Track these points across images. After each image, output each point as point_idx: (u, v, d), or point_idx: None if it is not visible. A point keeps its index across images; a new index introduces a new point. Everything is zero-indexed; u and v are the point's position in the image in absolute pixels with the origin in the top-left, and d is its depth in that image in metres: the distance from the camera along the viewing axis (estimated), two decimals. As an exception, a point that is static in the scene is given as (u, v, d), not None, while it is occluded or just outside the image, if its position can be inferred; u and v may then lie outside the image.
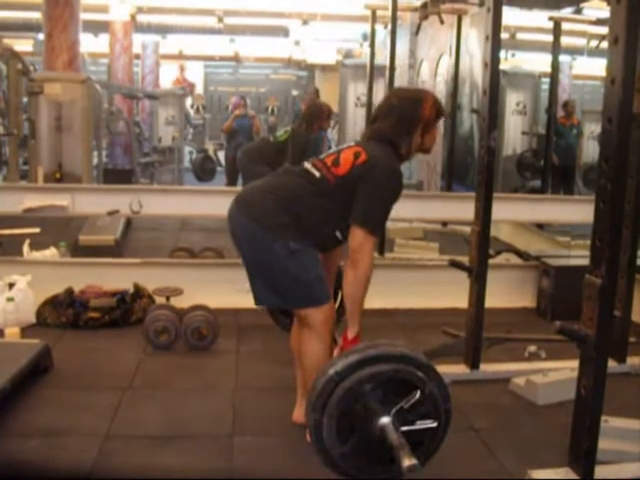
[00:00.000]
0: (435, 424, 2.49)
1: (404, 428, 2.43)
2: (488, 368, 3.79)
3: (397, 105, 2.94)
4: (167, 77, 16.72)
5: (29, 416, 3.20)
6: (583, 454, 2.54)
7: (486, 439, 3.14)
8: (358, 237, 2.78)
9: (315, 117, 6.11)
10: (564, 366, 3.61)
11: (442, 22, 7.36)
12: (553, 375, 3.59)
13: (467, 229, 4.00)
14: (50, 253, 5.39)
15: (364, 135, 3.08)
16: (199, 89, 18.28)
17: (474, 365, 3.74)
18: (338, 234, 2.89)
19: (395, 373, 2.46)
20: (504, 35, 3.69)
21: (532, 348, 4.17)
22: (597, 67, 7.25)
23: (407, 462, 2.30)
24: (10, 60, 8.27)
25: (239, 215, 2.88)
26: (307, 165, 2.95)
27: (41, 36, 9.95)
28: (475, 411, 3.41)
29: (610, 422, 2.91)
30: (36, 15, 11.06)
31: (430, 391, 2.48)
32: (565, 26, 7.26)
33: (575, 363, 2.59)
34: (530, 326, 4.69)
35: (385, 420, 2.42)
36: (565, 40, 7.40)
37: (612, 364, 3.04)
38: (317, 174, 2.88)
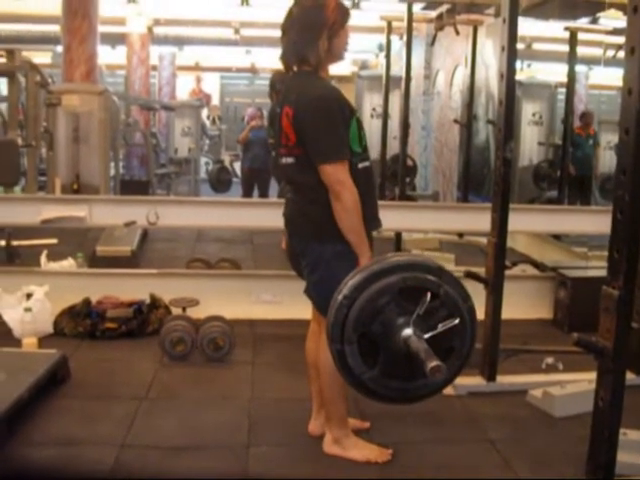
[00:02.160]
0: (457, 321, 2.42)
1: (427, 335, 2.36)
2: (505, 380, 3.77)
3: (297, 14, 2.85)
4: (184, 88, 16.83)
5: (46, 425, 3.21)
6: (601, 467, 2.51)
7: (502, 451, 3.12)
8: (327, 172, 2.72)
9: (280, 83, 5.87)
10: (582, 378, 3.58)
11: (457, 33, 7.37)
12: (571, 387, 3.56)
13: (483, 240, 3.99)
14: (67, 264, 5.42)
15: (279, 60, 2.96)
16: (215, 100, 18.38)
17: (491, 377, 3.72)
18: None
19: (404, 282, 2.39)
20: (520, 46, 3.69)
21: (549, 360, 4.13)
22: (614, 77, 7.23)
23: (430, 363, 2.23)
24: (29, 72, 8.34)
25: (294, 235, 2.95)
26: (280, 160, 2.93)
27: (59, 48, 10.04)
28: (491, 423, 3.40)
29: (629, 435, 2.89)
30: (55, 28, 11.16)
31: (445, 292, 2.41)
32: (581, 36, 7.24)
33: (593, 375, 2.57)
34: (547, 338, 4.66)
35: (406, 332, 2.36)
36: (581, 50, 7.37)
37: (630, 376, 3.02)
38: (291, 160, 2.86)
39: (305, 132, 2.77)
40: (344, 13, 2.87)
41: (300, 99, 2.79)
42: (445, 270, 2.48)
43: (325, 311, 2.86)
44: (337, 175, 2.72)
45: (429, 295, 2.37)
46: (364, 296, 2.38)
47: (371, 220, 2.87)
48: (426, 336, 2.36)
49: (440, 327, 2.40)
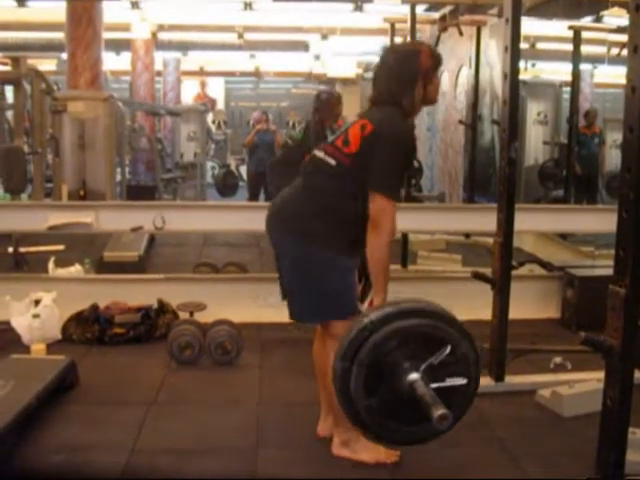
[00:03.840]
0: (465, 381, 2.44)
1: (434, 385, 2.38)
2: (513, 380, 3.77)
3: (394, 62, 2.92)
4: (188, 93, 16.87)
5: (56, 431, 3.22)
6: (611, 466, 2.50)
7: (511, 450, 3.12)
8: (377, 202, 2.75)
9: (325, 103, 5.96)
10: (590, 377, 3.57)
11: (461, 34, 7.37)
12: (579, 387, 3.55)
13: (490, 240, 3.99)
14: (75, 270, 5.44)
15: (369, 102, 3.05)
16: (220, 105, 18.41)
17: (499, 377, 3.71)
18: None
19: (430, 329, 2.42)
20: (524, 45, 3.70)
21: (557, 359, 4.13)
22: (618, 75, 7.21)
23: (438, 411, 2.25)
24: (34, 80, 8.38)
25: (278, 229, 2.92)
26: (320, 154, 2.94)
27: (64, 55, 10.08)
28: (500, 423, 3.39)
29: (638, 434, 2.88)
30: (59, 35, 11.20)
31: (462, 353, 2.43)
32: (585, 35, 7.23)
33: (601, 374, 2.56)
34: (555, 337, 4.65)
35: (414, 376, 2.37)
36: (585, 49, 7.36)
37: (639, 375, 3.01)
38: (333, 162, 2.87)
39: (379, 156, 2.79)
40: (437, 59, 2.96)
41: (387, 125, 2.83)
42: (468, 332, 2.51)
43: (302, 315, 2.89)
44: (385, 208, 2.76)
45: (448, 349, 2.41)
46: (391, 327, 2.41)
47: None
48: (432, 385, 2.38)
49: (448, 381, 2.42)
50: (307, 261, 2.84)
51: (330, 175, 2.88)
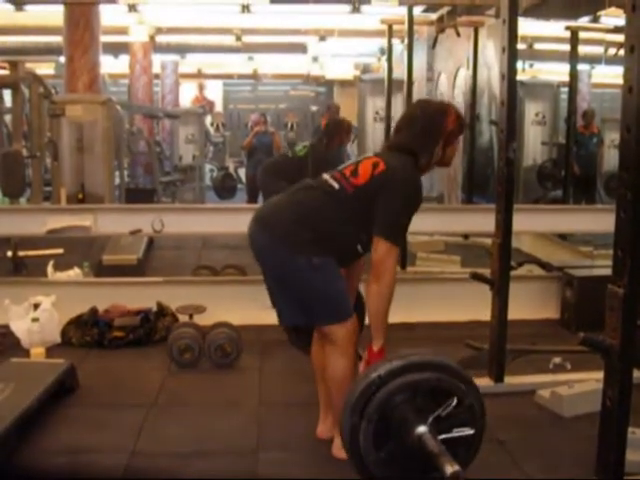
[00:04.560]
0: (472, 431, 2.47)
1: (442, 436, 2.40)
2: (513, 380, 3.77)
3: (420, 116, 2.95)
4: (187, 96, 16.87)
5: (56, 434, 3.22)
6: (610, 466, 2.51)
7: (511, 451, 3.12)
8: (381, 249, 2.78)
9: (335, 132, 6.09)
10: (590, 377, 3.57)
11: (458, 35, 7.36)
12: (579, 387, 3.56)
13: (488, 241, 3.99)
14: (74, 273, 5.44)
15: (384, 146, 3.08)
16: (218, 107, 18.41)
17: (498, 378, 3.72)
18: (359, 247, 2.90)
19: (438, 382, 2.45)
20: (521, 46, 3.70)
21: (557, 360, 4.13)
22: (616, 75, 7.22)
23: (450, 468, 2.26)
24: (32, 83, 8.38)
25: (260, 233, 2.89)
26: (326, 176, 2.96)
27: (62, 59, 10.08)
28: (500, 423, 3.39)
29: (637, 433, 2.88)
30: (57, 39, 11.20)
31: (469, 403, 2.47)
32: (582, 35, 7.23)
33: (601, 374, 2.57)
34: (554, 337, 4.65)
35: (423, 428, 2.40)
36: (583, 49, 7.37)
37: (638, 374, 3.01)
38: (336, 185, 2.89)
39: (387, 201, 2.81)
40: (461, 125, 3.00)
41: (397, 170, 2.85)
42: (473, 381, 2.55)
43: (290, 318, 2.88)
44: (388, 257, 2.79)
45: (455, 401, 2.43)
46: (397, 382, 2.44)
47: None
48: (440, 437, 2.40)
49: (455, 432, 2.43)
50: (290, 264, 2.82)
51: (328, 194, 2.88)
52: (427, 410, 2.43)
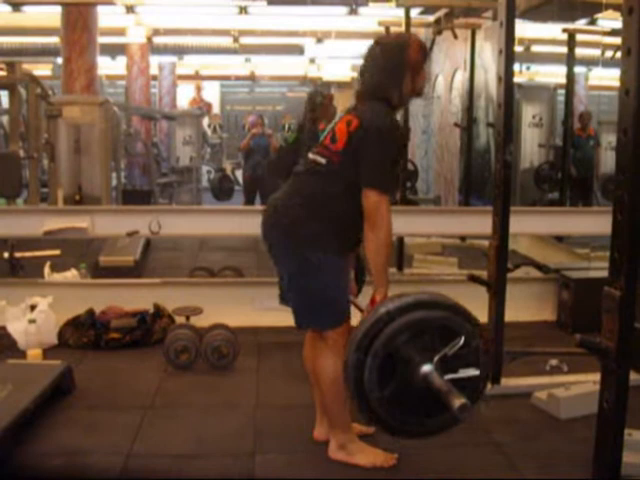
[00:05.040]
0: (477, 372, 2.46)
1: (448, 376, 2.39)
2: (509, 382, 3.77)
3: (380, 55, 2.90)
4: (184, 97, 16.87)
5: (52, 436, 3.22)
6: (607, 468, 2.51)
7: (508, 453, 3.12)
8: (372, 198, 2.75)
9: (317, 103, 5.93)
10: (586, 379, 3.58)
11: (456, 37, 7.38)
12: (575, 389, 3.56)
13: (486, 243, 3.99)
14: (71, 275, 5.43)
15: (355, 94, 3.03)
16: (216, 109, 18.43)
17: (495, 380, 3.71)
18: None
19: (445, 320, 2.45)
20: (518, 48, 3.70)
21: (554, 361, 4.14)
22: (613, 77, 7.22)
23: (458, 402, 2.27)
24: (29, 84, 8.37)
25: (271, 231, 2.93)
26: (311, 155, 2.95)
27: (60, 60, 10.08)
28: (497, 426, 3.39)
29: (634, 435, 2.88)
30: (54, 40, 11.20)
31: (476, 344, 2.47)
32: (579, 37, 7.24)
33: (597, 376, 2.57)
34: (551, 339, 4.66)
35: (428, 367, 2.39)
36: (580, 51, 7.38)
37: (634, 376, 3.01)
38: (322, 160, 2.88)
39: (367, 151, 2.80)
40: (425, 53, 2.95)
41: (373, 119, 2.83)
42: (480, 324, 2.55)
43: (303, 319, 2.89)
44: (380, 205, 2.75)
45: (462, 341, 2.42)
46: (406, 318, 2.42)
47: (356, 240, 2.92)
48: (446, 377, 2.39)
49: (461, 373, 2.42)
50: (300, 263, 2.84)
51: (321, 174, 2.87)
52: (433, 350, 2.41)
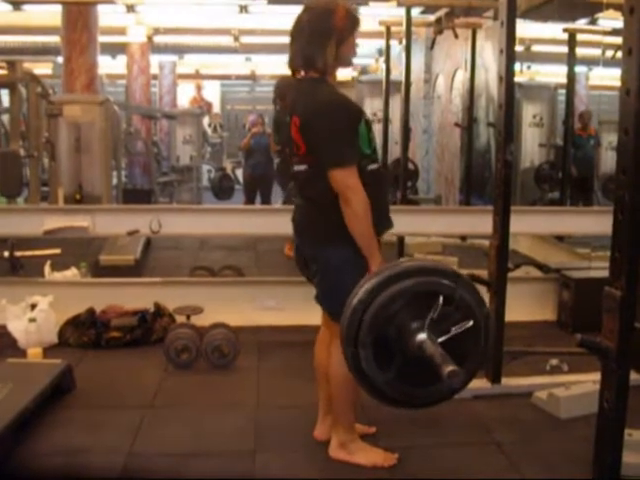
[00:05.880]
0: (471, 322, 2.43)
1: (441, 339, 2.37)
2: (510, 382, 3.77)
3: (307, 21, 2.85)
4: (184, 97, 16.86)
5: (52, 435, 3.22)
6: (607, 468, 2.51)
7: (509, 453, 3.12)
8: (337, 177, 2.73)
9: (285, 90, 5.69)
10: (587, 379, 3.58)
11: (456, 36, 7.37)
12: (576, 388, 3.56)
13: (486, 243, 3.99)
14: (71, 273, 5.43)
15: (287, 67, 2.97)
16: (216, 108, 18.42)
17: (495, 379, 3.72)
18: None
19: (417, 287, 2.41)
20: (519, 48, 3.70)
21: (554, 361, 4.14)
22: (613, 77, 7.22)
23: (446, 369, 2.25)
24: (30, 83, 8.38)
25: (299, 238, 2.97)
26: (294, 167, 2.94)
27: (60, 59, 10.07)
28: (497, 426, 3.39)
29: (634, 435, 2.88)
30: (55, 39, 11.20)
31: (460, 296, 2.42)
32: (580, 37, 7.24)
33: (598, 376, 2.57)
34: (551, 339, 4.66)
35: (421, 336, 2.37)
36: (580, 51, 7.37)
37: (635, 376, 3.01)
38: (302, 167, 2.88)
39: (313, 139, 2.79)
40: (353, 20, 2.88)
41: (307, 107, 2.82)
42: (460, 275, 2.49)
43: (336, 317, 2.87)
44: (346, 180, 2.73)
45: (441, 299, 2.39)
46: (379, 300, 2.40)
47: (381, 223, 2.87)
48: (440, 340, 2.37)
49: (453, 330, 2.41)
50: (327, 261, 2.84)
51: (308, 179, 2.88)
52: (422, 317, 2.39)
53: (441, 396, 2.53)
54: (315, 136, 2.79)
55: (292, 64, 2.91)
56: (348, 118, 2.81)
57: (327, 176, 2.76)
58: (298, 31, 2.87)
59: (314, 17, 2.84)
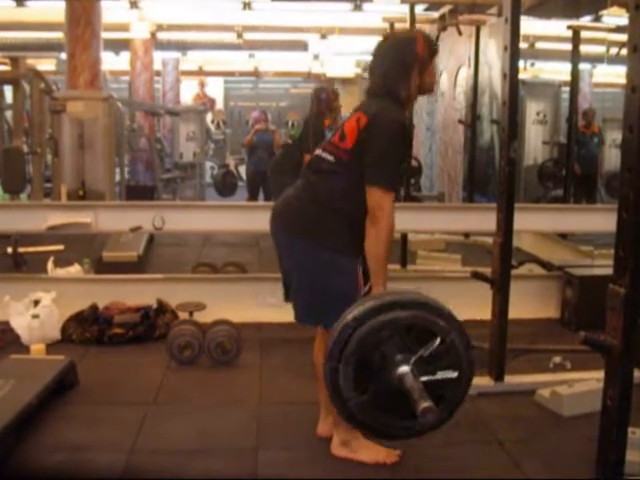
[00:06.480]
0: (456, 374, 2.43)
1: (424, 378, 2.36)
2: (513, 380, 3.76)
3: (389, 51, 2.90)
4: (188, 93, 16.86)
5: (55, 431, 3.22)
6: (611, 466, 2.51)
7: (511, 451, 3.11)
8: (375, 196, 2.74)
9: (322, 99, 5.96)
10: (590, 377, 3.57)
11: (460, 33, 7.36)
12: (579, 386, 3.55)
13: (489, 240, 3.99)
14: (74, 270, 5.44)
15: (365, 91, 3.03)
16: (219, 104, 18.42)
17: (498, 377, 3.71)
18: None
19: (413, 319, 2.40)
20: (523, 45, 3.69)
21: (557, 359, 4.13)
22: (618, 74, 7.20)
23: (423, 404, 2.24)
24: (33, 80, 8.38)
25: (282, 230, 2.92)
26: (318, 152, 2.94)
27: (63, 55, 10.07)
28: (500, 423, 3.39)
29: (638, 434, 2.87)
30: (58, 35, 11.20)
31: (452, 340, 2.41)
32: (584, 34, 7.22)
33: (601, 374, 2.56)
34: (554, 337, 4.65)
35: (404, 369, 2.36)
36: (585, 48, 7.36)
37: (639, 374, 3.01)
38: (331, 158, 2.87)
39: (373, 148, 2.78)
40: (433, 48, 2.93)
41: (381, 114, 2.81)
42: (454, 317, 2.48)
43: (304, 317, 2.88)
44: (382, 202, 2.74)
45: (438, 340, 2.39)
46: (372, 323, 2.39)
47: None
48: (423, 379, 2.37)
49: (439, 375, 2.41)
50: (312, 261, 2.83)
51: (330, 173, 2.86)
52: (410, 351, 2.38)
53: (410, 431, 2.51)
54: (378, 146, 2.78)
55: (372, 91, 2.94)
56: (406, 149, 2.90)
57: (353, 178, 2.78)
58: (379, 61, 2.91)
59: (395, 46, 2.90)
